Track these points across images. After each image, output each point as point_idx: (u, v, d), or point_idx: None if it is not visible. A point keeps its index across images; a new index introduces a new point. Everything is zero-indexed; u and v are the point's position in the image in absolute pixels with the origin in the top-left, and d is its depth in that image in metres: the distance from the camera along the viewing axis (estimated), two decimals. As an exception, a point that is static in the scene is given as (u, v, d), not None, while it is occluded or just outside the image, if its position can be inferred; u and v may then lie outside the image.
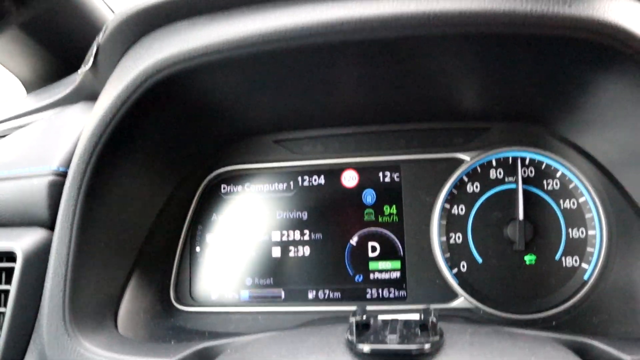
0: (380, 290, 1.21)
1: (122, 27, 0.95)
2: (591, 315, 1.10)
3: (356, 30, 0.82)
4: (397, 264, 1.21)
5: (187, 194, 1.28)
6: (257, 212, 1.28)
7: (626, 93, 0.89)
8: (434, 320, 0.74)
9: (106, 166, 0.97)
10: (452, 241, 1.19)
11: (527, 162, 1.20)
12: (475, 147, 1.22)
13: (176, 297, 1.25)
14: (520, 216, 1.15)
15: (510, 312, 1.14)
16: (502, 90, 1.08)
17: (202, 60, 0.88)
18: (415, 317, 0.79)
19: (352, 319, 0.75)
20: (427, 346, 0.70)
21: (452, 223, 1.20)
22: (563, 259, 1.16)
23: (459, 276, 1.18)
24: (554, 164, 1.19)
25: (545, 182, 1.19)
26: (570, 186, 1.18)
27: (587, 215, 1.17)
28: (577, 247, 1.16)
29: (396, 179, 1.24)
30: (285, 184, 1.27)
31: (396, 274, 1.21)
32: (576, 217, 1.17)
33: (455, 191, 1.21)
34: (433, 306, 1.14)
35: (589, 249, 1.16)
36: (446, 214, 1.20)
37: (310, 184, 1.27)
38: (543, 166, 1.20)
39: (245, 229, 1.28)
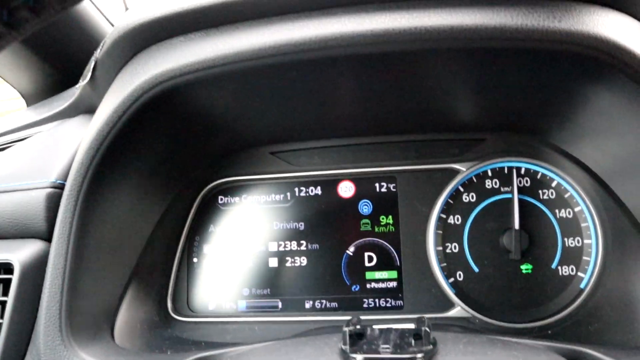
0: (377, 300, 1.21)
1: (119, 42, 0.96)
2: (587, 324, 1.10)
3: (349, 46, 0.83)
4: (393, 274, 1.21)
5: (185, 205, 1.29)
6: (254, 222, 1.29)
7: (616, 104, 0.90)
8: (427, 329, 0.74)
9: (103, 179, 0.98)
10: (448, 251, 1.20)
11: (522, 172, 1.20)
12: (470, 157, 1.22)
13: (174, 308, 1.25)
14: (516, 225, 1.16)
15: (507, 321, 1.14)
16: (496, 102, 1.09)
17: (197, 75, 0.90)
18: (410, 326, 0.79)
19: (346, 329, 0.75)
20: (419, 355, 0.70)
21: (448, 233, 1.21)
22: (559, 268, 1.16)
23: (455, 285, 1.18)
24: (549, 174, 1.20)
25: (540, 191, 1.20)
26: (566, 195, 1.19)
27: (583, 225, 1.17)
28: (573, 256, 1.16)
29: (392, 190, 1.25)
30: (282, 195, 1.28)
31: (393, 284, 1.21)
32: (572, 226, 1.18)
33: (451, 201, 1.21)
34: (429, 315, 1.15)
35: (584, 258, 1.16)
36: (442, 223, 1.21)
37: (307, 194, 1.27)
38: (538, 176, 1.20)
39: (243, 239, 1.28)
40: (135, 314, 1.14)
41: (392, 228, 1.23)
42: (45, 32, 1.46)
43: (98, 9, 1.58)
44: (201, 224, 1.30)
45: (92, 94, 1.15)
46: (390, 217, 1.24)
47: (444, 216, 1.21)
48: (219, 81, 0.95)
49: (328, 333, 0.90)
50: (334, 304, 1.22)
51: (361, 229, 1.24)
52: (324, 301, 1.22)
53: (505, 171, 1.21)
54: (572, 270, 1.16)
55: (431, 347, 0.73)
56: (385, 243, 1.23)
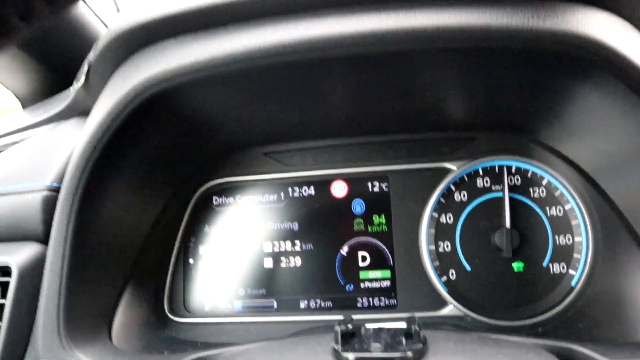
0: (370, 299, 1.22)
1: (112, 45, 0.97)
2: (578, 321, 1.12)
3: (336, 47, 0.84)
4: (387, 273, 1.23)
5: (180, 206, 1.30)
6: (248, 223, 1.30)
7: (603, 102, 0.91)
8: (417, 328, 0.76)
9: (98, 181, 0.99)
10: (440, 249, 1.21)
11: (513, 170, 1.22)
12: (461, 156, 1.24)
13: (170, 309, 1.26)
14: (508, 224, 1.17)
15: (499, 318, 1.15)
16: (486, 101, 1.10)
17: (189, 77, 0.90)
18: (402, 325, 0.81)
19: (338, 328, 0.76)
20: (409, 354, 0.71)
21: (440, 232, 1.22)
22: (550, 265, 1.18)
23: (448, 284, 1.19)
24: (539, 172, 1.21)
25: (531, 190, 1.21)
26: (556, 194, 1.20)
27: (573, 222, 1.18)
28: (564, 254, 1.18)
29: (385, 189, 1.26)
30: (275, 195, 1.29)
31: (386, 283, 1.22)
32: (562, 224, 1.19)
33: (443, 200, 1.23)
34: (422, 314, 1.16)
35: (575, 255, 1.17)
36: (434, 222, 1.22)
37: (301, 194, 1.28)
38: (529, 174, 1.21)
39: (238, 240, 1.29)
40: (132, 315, 1.15)
41: (385, 227, 1.24)
42: (40, 34, 1.46)
43: (92, 11, 1.59)
44: (196, 225, 1.31)
45: (86, 97, 1.16)
46: (383, 216, 1.25)
47: (436, 215, 1.22)
48: (211, 83, 0.95)
49: (321, 332, 0.91)
50: (329, 304, 1.23)
51: (354, 229, 1.25)
52: (318, 301, 1.23)
53: (496, 170, 1.22)
54: (563, 267, 1.17)
55: (421, 345, 0.74)
56: (378, 242, 1.24)
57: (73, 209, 0.97)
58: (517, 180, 1.21)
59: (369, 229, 1.25)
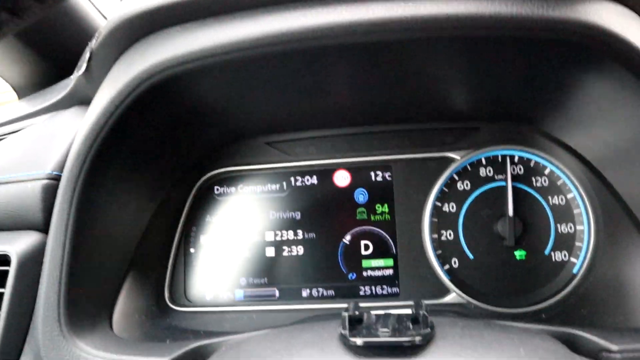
0: (373, 288, 1.22)
1: (115, 33, 0.96)
2: (580, 308, 1.12)
3: (345, 35, 0.84)
4: (389, 262, 1.23)
5: (181, 195, 1.29)
6: (250, 212, 1.29)
7: (607, 92, 0.92)
8: (425, 313, 0.76)
9: (100, 169, 0.98)
10: (443, 238, 1.21)
11: (516, 160, 1.22)
12: (465, 146, 1.24)
13: (171, 298, 1.26)
14: (510, 212, 1.17)
15: (501, 306, 1.15)
16: (491, 91, 1.10)
17: (194, 65, 0.90)
18: (408, 311, 0.81)
19: (345, 314, 0.76)
20: (418, 338, 0.71)
21: (443, 220, 1.22)
22: (552, 253, 1.18)
23: (450, 272, 1.19)
24: (542, 162, 1.21)
25: (534, 179, 1.21)
26: (559, 183, 1.20)
27: (576, 211, 1.19)
28: (566, 242, 1.18)
29: (388, 178, 1.26)
30: (278, 185, 1.29)
31: (389, 272, 1.22)
32: (565, 213, 1.19)
33: (446, 189, 1.23)
34: (425, 302, 1.16)
35: (577, 244, 1.18)
36: (437, 211, 1.22)
37: (303, 184, 1.28)
38: (532, 164, 1.22)
39: (239, 229, 1.29)
40: (133, 304, 1.14)
41: (387, 216, 1.24)
42: (36, 24, 1.45)
43: (90, 1, 1.57)
44: (198, 214, 1.30)
45: (86, 85, 1.15)
46: (385, 205, 1.25)
47: (439, 204, 1.22)
48: (215, 71, 0.95)
49: (326, 319, 0.91)
50: (331, 292, 1.23)
51: (357, 218, 1.25)
52: (320, 289, 1.23)
53: (499, 159, 1.22)
54: (565, 255, 1.18)
55: (429, 330, 0.74)
56: (381, 231, 1.24)
57: (74, 198, 0.96)
58: (520, 169, 1.21)
59: (372, 218, 1.24)
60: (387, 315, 0.80)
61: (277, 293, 1.25)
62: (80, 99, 1.21)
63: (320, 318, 1.06)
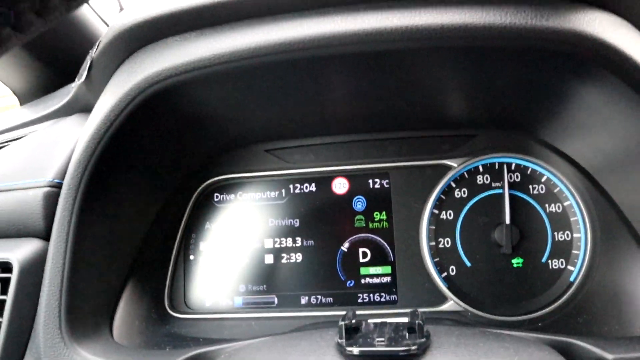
0: (371, 295, 1.23)
1: (115, 42, 0.97)
2: (576, 316, 1.13)
3: (341, 44, 0.85)
4: (387, 269, 1.23)
5: (181, 203, 1.30)
6: (249, 220, 1.30)
7: (603, 100, 0.92)
8: (421, 322, 0.76)
9: (100, 177, 0.99)
10: (441, 246, 1.22)
11: (512, 167, 1.23)
12: (462, 153, 1.24)
13: (171, 305, 1.26)
14: (507, 220, 1.18)
15: (499, 314, 1.16)
16: (487, 99, 1.11)
17: (193, 74, 0.91)
18: (404, 320, 0.81)
19: (342, 323, 0.77)
20: (413, 348, 0.72)
21: (440, 228, 1.23)
22: (549, 261, 1.19)
23: (448, 280, 1.20)
24: (539, 169, 1.22)
25: (530, 186, 1.22)
26: (555, 190, 1.21)
27: (572, 219, 1.19)
28: (563, 250, 1.19)
29: (385, 186, 1.26)
30: (277, 192, 1.30)
31: (387, 279, 1.23)
32: (561, 221, 1.20)
33: (443, 197, 1.23)
34: (423, 309, 1.17)
35: (574, 252, 1.18)
36: (435, 219, 1.23)
37: (302, 191, 1.29)
38: (528, 171, 1.22)
39: (238, 236, 1.29)
40: (134, 311, 1.15)
41: (385, 224, 1.25)
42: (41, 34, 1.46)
43: (92, 8, 1.58)
44: (197, 221, 1.31)
45: (87, 93, 1.16)
46: (383, 213, 1.25)
47: (436, 212, 1.23)
48: (214, 80, 0.96)
49: (323, 328, 0.91)
50: (329, 299, 1.24)
51: (355, 225, 1.26)
52: (319, 297, 1.24)
53: (496, 167, 1.23)
54: (562, 263, 1.18)
55: (425, 339, 0.75)
56: (379, 239, 1.25)
57: (75, 205, 0.97)
58: (517, 177, 1.22)
59: (370, 225, 1.25)
60: (384, 324, 0.81)
61: (276, 300, 1.25)
62: (81, 106, 1.22)
63: (318, 326, 1.06)
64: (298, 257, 1.26)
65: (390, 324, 0.81)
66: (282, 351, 0.82)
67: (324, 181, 1.29)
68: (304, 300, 1.24)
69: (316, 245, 1.26)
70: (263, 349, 0.85)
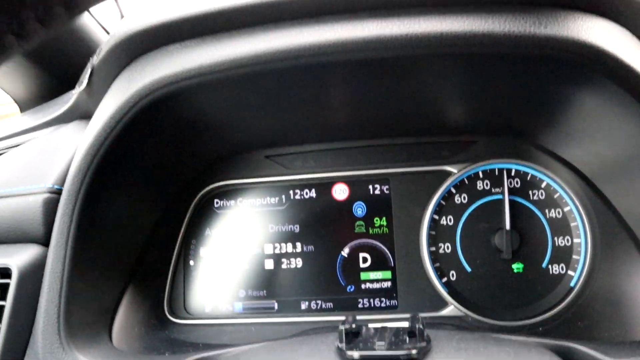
0: (371, 300, 1.23)
1: (116, 49, 0.97)
2: (577, 321, 1.13)
3: (342, 52, 0.85)
4: (387, 274, 1.23)
5: (181, 209, 1.30)
6: (249, 225, 1.30)
7: (602, 107, 0.93)
8: (421, 326, 0.76)
9: (100, 183, 0.99)
10: (441, 251, 1.22)
11: (512, 173, 1.23)
12: (462, 159, 1.24)
13: (170, 310, 1.26)
14: (507, 226, 1.18)
15: (499, 319, 1.16)
16: (487, 106, 1.11)
17: (193, 81, 0.91)
18: (404, 324, 0.81)
19: (342, 327, 0.77)
20: (414, 352, 0.72)
21: (441, 233, 1.23)
22: (549, 266, 1.19)
23: (448, 285, 1.20)
24: (538, 175, 1.22)
25: (530, 192, 1.22)
26: (555, 196, 1.21)
27: (572, 224, 1.19)
28: (563, 255, 1.19)
29: (386, 192, 1.27)
30: (277, 198, 1.30)
31: (387, 284, 1.23)
32: (561, 226, 1.20)
33: (443, 202, 1.24)
34: (423, 314, 1.16)
35: (574, 257, 1.18)
36: (435, 224, 1.23)
37: (302, 197, 1.29)
38: (528, 177, 1.23)
39: (239, 242, 1.29)
40: (133, 317, 1.15)
41: (386, 230, 1.25)
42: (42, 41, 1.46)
43: (92, 15, 1.59)
44: (197, 227, 1.31)
45: (88, 100, 1.16)
46: (384, 218, 1.25)
47: (436, 217, 1.23)
48: (214, 87, 0.96)
49: (324, 333, 0.91)
50: (330, 305, 1.23)
51: (355, 231, 1.26)
52: (319, 302, 1.24)
53: (496, 173, 1.23)
54: (562, 269, 1.18)
55: (425, 344, 0.75)
56: (379, 244, 1.25)
57: (75, 211, 0.97)
58: (517, 182, 1.22)
59: (370, 231, 1.25)
60: (384, 329, 0.81)
61: (276, 305, 1.25)
62: (81, 113, 1.23)
63: (318, 331, 1.06)
64: (298, 262, 1.26)
65: (391, 328, 0.81)
66: (282, 356, 0.82)
67: (324, 187, 1.29)
68: (304, 306, 1.24)
69: (316, 250, 1.26)
70: (263, 354, 0.85)
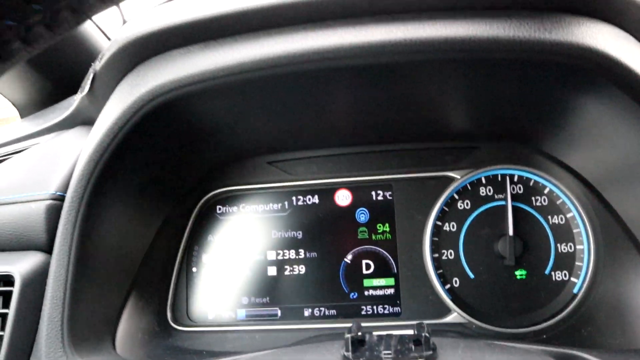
0: (375, 307, 1.22)
1: (119, 55, 0.97)
2: (580, 328, 1.12)
3: (346, 57, 0.85)
4: (391, 281, 1.23)
5: (183, 215, 1.30)
6: (252, 232, 1.30)
7: (606, 113, 0.93)
8: (427, 335, 0.76)
9: (104, 189, 0.99)
10: (444, 257, 1.22)
11: (515, 179, 1.23)
12: (465, 165, 1.24)
13: (173, 317, 1.26)
14: (510, 232, 1.18)
15: (502, 326, 1.16)
16: (490, 112, 1.11)
17: (196, 87, 0.91)
18: (409, 332, 0.81)
19: (348, 335, 0.76)
20: (420, 360, 0.72)
21: (443, 240, 1.22)
22: (553, 273, 1.18)
23: (451, 292, 1.20)
24: (541, 181, 1.22)
25: (533, 198, 1.22)
26: (558, 202, 1.21)
27: (575, 230, 1.19)
28: (566, 262, 1.18)
29: (389, 198, 1.26)
30: (279, 204, 1.29)
31: (390, 291, 1.23)
32: (564, 232, 1.20)
33: (446, 208, 1.23)
34: (427, 321, 1.16)
35: (577, 263, 1.18)
36: (438, 231, 1.23)
37: (305, 203, 1.29)
38: (531, 183, 1.22)
39: (241, 248, 1.29)
40: (136, 324, 1.14)
41: (389, 236, 1.25)
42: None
43: (92, 20, 1.59)
44: (200, 233, 1.30)
45: (90, 106, 1.16)
46: (387, 225, 1.25)
47: (439, 223, 1.23)
48: (217, 93, 0.96)
49: (328, 340, 0.91)
50: (333, 312, 1.23)
51: (358, 237, 1.26)
52: (322, 309, 1.23)
53: (499, 178, 1.23)
54: (565, 275, 1.18)
55: (431, 352, 0.74)
56: (382, 251, 1.24)
57: (78, 218, 0.97)
58: (520, 189, 1.22)
59: (373, 237, 1.25)
60: (389, 337, 0.80)
61: (279, 312, 1.25)
62: (84, 119, 1.22)
63: (322, 338, 1.06)
64: (301, 269, 1.26)
65: (396, 336, 0.80)
66: (287, 364, 0.81)
67: (326, 193, 1.29)
68: (307, 313, 1.23)
69: (319, 257, 1.26)
70: (268, 362, 0.85)
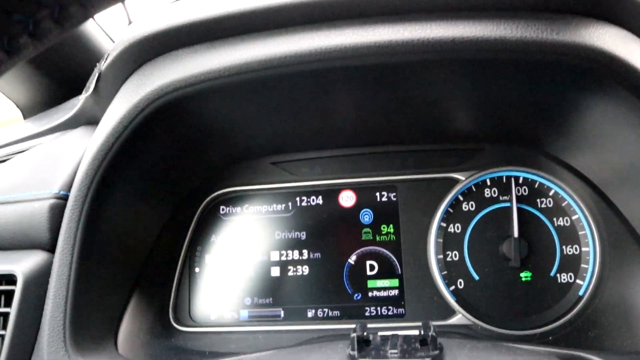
0: (379, 308, 1.22)
1: (124, 55, 0.97)
2: (586, 330, 1.12)
3: (352, 57, 0.85)
4: (395, 282, 1.22)
5: (186, 215, 1.30)
6: (255, 232, 1.29)
7: (612, 115, 0.93)
8: (434, 334, 0.75)
9: (107, 189, 0.99)
10: (449, 259, 1.21)
11: (520, 181, 1.22)
12: (470, 167, 1.24)
13: (175, 318, 1.25)
14: (516, 234, 1.17)
15: (507, 328, 1.15)
16: (495, 113, 1.11)
17: (201, 86, 0.91)
18: (415, 333, 0.80)
19: (353, 335, 0.76)
20: (427, 360, 0.71)
21: (448, 241, 1.22)
22: (558, 275, 1.18)
23: (456, 293, 1.19)
24: (547, 183, 1.21)
25: (538, 200, 1.21)
26: (563, 204, 1.20)
27: (581, 232, 1.19)
28: (572, 264, 1.18)
29: (393, 199, 1.26)
30: (283, 205, 1.29)
31: (394, 292, 1.22)
32: (570, 234, 1.19)
33: (451, 210, 1.23)
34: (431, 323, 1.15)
35: (583, 265, 1.17)
36: (442, 232, 1.22)
37: (308, 204, 1.28)
38: (536, 185, 1.22)
39: (244, 249, 1.28)
40: (138, 324, 1.14)
41: (393, 237, 1.24)
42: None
43: (95, 21, 1.59)
44: (203, 234, 1.30)
45: (94, 106, 1.16)
46: (391, 226, 1.25)
47: (444, 225, 1.22)
48: (222, 92, 0.96)
49: (332, 340, 0.90)
50: (336, 313, 1.22)
51: (362, 238, 1.25)
52: (326, 310, 1.23)
53: (504, 180, 1.23)
54: (571, 277, 1.17)
55: (438, 352, 0.74)
56: (386, 252, 1.24)
57: (81, 217, 0.97)
58: (525, 190, 1.22)
59: (377, 238, 1.25)
60: (395, 336, 0.80)
61: (282, 313, 1.24)
62: (88, 119, 1.22)
63: (326, 339, 1.05)
64: (304, 270, 1.25)
65: (402, 336, 0.80)
66: (292, 364, 0.81)
67: (330, 194, 1.28)
68: (310, 314, 1.23)
69: (323, 258, 1.25)
70: (273, 362, 0.84)
